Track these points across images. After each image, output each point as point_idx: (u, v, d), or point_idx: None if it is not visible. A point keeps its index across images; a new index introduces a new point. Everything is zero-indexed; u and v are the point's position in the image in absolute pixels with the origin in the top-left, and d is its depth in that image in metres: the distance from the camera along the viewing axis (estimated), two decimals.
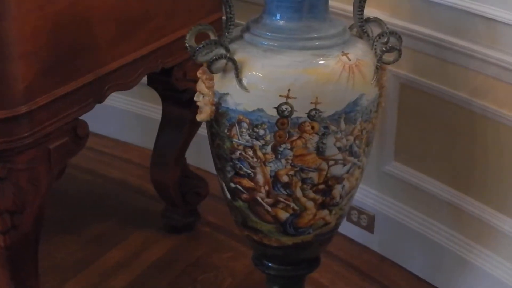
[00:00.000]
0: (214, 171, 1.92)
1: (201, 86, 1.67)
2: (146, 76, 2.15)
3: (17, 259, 1.75)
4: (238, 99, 1.62)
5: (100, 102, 1.84)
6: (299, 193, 1.68)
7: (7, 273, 1.75)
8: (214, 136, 1.74)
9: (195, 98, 1.72)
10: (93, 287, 2.22)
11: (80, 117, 1.80)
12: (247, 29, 1.71)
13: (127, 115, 2.92)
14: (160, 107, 2.42)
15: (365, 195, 2.23)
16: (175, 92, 2.20)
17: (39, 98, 1.62)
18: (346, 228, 2.23)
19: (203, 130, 1.98)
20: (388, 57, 1.70)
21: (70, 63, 1.71)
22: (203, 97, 1.67)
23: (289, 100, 1.57)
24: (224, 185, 1.80)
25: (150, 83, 2.28)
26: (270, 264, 1.88)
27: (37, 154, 1.68)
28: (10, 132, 1.59)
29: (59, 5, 1.63)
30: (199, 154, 2.50)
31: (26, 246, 1.76)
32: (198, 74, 1.67)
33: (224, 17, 1.77)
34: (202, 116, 1.68)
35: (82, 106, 1.78)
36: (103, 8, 1.78)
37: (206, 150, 1.93)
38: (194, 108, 1.78)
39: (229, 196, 1.79)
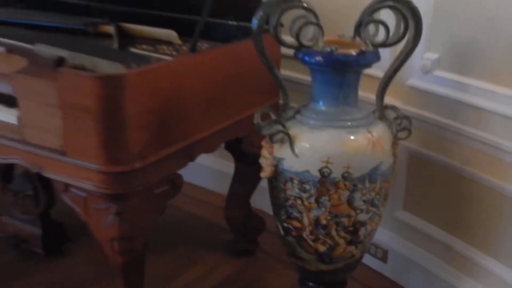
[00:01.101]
0: (271, 212, 2.01)
1: (264, 152, 1.82)
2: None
3: (130, 272, 1.87)
4: (291, 163, 1.75)
5: (192, 161, 1.94)
6: (333, 232, 1.78)
7: (123, 282, 1.87)
8: (273, 189, 1.86)
9: (259, 161, 1.85)
10: None
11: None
12: (298, 111, 1.84)
13: (209, 169, 3.04)
14: (233, 164, 2.52)
15: (381, 234, 2.25)
16: (244, 154, 2.28)
17: (149, 157, 1.73)
18: (366, 258, 2.25)
19: (264, 183, 2.07)
20: (401, 135, 1.83)
21: (171, 133, 1.81)
22: (265, 160, 1.82)
23: (328, 165, 1.70)
24: (279, 224, 1.90)
25: (226, 147, 2.36)
26: (310, 284, 1.97)
27: (146, 197, 1.78)
28: (128, 181, 1.71)
29: (165, 92, 1.77)
30: (260, 200, 2.54)
31: (136, 263, 1.87)
32: (262, 143, 1.82)
33: (280, 101, 1.91)
34: (265, 174, 1.83)
35: (178, 164, 1.89)
36: (196, 95, 1.88)
37: (266, 197, 2.01)
38: (258, 167, 1.89)
39: (282, 232, 1.90)
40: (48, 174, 1.84)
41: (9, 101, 1.94)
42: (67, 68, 1.76)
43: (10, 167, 2.56)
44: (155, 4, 2.38)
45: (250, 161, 2.27)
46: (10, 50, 1.97)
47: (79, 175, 1.74)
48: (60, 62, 1.85)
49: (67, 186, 1.81)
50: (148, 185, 1.77)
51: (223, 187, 2.80)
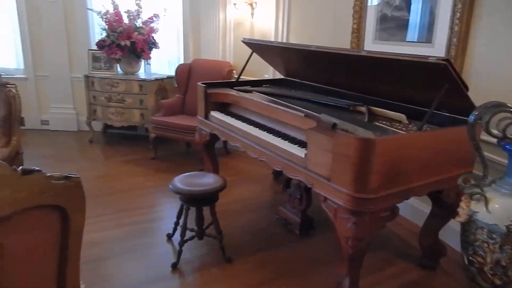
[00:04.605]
0: (452, 244, 1.76)
1: (463, 204, 1.61)
2: None
3: (353, 260, 1.81)
4: (483, 216, 1.54)
5: (406, 199, 1.83)
6: (510, 273, 1.51)
7: (348, 265, 1.83)
8: (464, 230, 1.64)
9: (457, 209, 1.62)
10: (376, 284, 2.15)
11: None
12: (493, 181, 1.61)
13: (411, 206, 2.74)
14: (426, 205, 2.30)
15: None
16: (442, 201, 2.04)
17: (380, 192, 1.67)
18: None
19: (450, 222, 1.86)
20: None
21: (396, 180, 1.72)
22: (462, 210, 1.61)
23: None
24: (464, 256, 1.67)
25: (428, 194, 2.05)
26: None
27: (374, 216, 1.70)
28: (365, 204, 1.66)
29: (397, 154, 1.68)
30: (445, 234, 2.30)
31: (359, 255, 1.81)
32: (462, 198, 1.61)
33: (474, 171, 1.69)
34: (460, 219, 1.62)
35: (398, 200, 1.76)
36: (415, 158, 1.76)
37: (450, 233, 1.78)
38: (450, 212, 1.70)
39: (466, 262, 1.66)
40: (316, 189, 1.87)
41: (302, 143, 2.05)
42: (339, 130, 1.79)
43: (289, 179, 2.68)
44: (392, 97, 2.29)
45: (444, 206, 2.08)
46: (307, 115, 2.07)
47: (335, 194, 1.74)
48: (334, 126, 1.88)
49: (326, 198, 1.81)
50: (376, 209, 1.70)
51: (416, 218, 2.66)
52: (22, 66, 4.70)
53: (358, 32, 3.06)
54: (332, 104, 2.47)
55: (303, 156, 1.94)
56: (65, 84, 4.70)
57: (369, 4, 2.97)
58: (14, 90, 2.33)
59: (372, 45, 2.96)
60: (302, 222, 2.61)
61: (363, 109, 2.29)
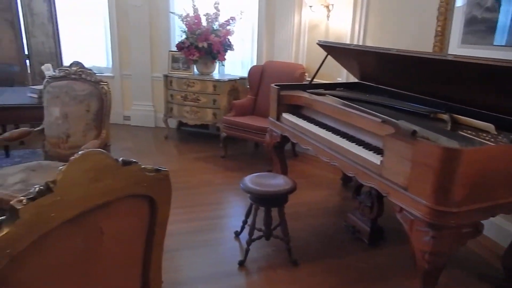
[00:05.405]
0: None
1: None
2: None
3: (428, 277, 1.72)
4: None
5: (493, 217, 1.70)
6: None
7: (422, 281, 1.74)
8: None
9: None
10: None
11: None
12: None
13: (493, 224, 2.51)
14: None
15: None
16: None
17: (463, 207, 1.58)
18: None
19: None
20: None
21: (481, 194, 1.61)
22: None
23: None
24: None
25: None
26: None
27: (455, 232, 1.59)
28: (445, 218, 1.58)
29: (482, 166, 1.57)
30: None
31: (435, 272, 1.72)
32: None
33: None
34: None
35: (483, 216, 1.65)
36: (503, 173, 1.63)
37: None
38: None
39: None
40: (391, 198, 1.81)
41: (377, 150, 2.00)
42: (421, 138, 1.72)
43: (360, 186, 2.62)
44: (478, 105, 2.12)
45: None
46: (384, 121, 2.01)
47: (412, 205, 1.67)
48: (414, 133, 1.81)
49: (401, 209, 1.75)
50: (458, 224, 1.61)
51: (500, 238, 2.48)
52: (110, 65, 5.12)
53: (442, 35, 2.89)
54: (410, 110, 2.36)
55: (378, 163, 1.89)
56: (146, 83, 5.04)
57: (456, 5, 2.79)
58: (106, 87, 2.56)
59: (458, 49, 2.78)
60: (372, 231, 2.53)
61: (446, 116, 2.16)
